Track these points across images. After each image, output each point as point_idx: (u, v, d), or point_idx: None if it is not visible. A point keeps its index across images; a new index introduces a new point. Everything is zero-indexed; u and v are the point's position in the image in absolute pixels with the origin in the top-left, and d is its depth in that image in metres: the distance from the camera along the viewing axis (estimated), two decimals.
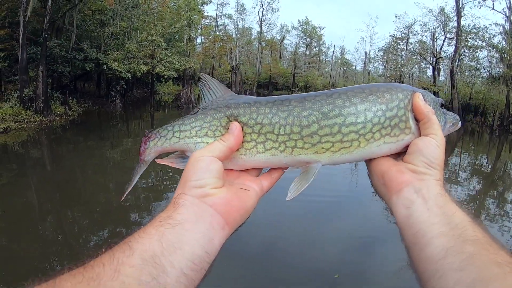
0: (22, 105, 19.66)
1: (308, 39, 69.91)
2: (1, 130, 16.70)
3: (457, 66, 31.63)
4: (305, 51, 70.29)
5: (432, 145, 0.96)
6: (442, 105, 1.11)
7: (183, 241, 0.73)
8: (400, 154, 1.03)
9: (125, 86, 28.28)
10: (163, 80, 37.68)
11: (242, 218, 0.90)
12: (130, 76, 25.27)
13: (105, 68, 24.86)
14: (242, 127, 0.99)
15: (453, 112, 1.15)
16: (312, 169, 0.98)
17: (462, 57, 33.00)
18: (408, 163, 0.97)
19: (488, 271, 0.68)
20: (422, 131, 1.01)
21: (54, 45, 23.07)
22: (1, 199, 8.50)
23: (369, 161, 1.05)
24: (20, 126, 17.90)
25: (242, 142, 0.98)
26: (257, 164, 1.00)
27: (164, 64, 27.88)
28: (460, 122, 1.16)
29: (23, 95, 19.72)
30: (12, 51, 21.82)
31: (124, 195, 1.12)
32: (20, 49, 19.86)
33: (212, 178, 0.86)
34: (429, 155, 0.94)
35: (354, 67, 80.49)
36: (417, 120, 1.02)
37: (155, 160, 1.10)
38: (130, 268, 0.65)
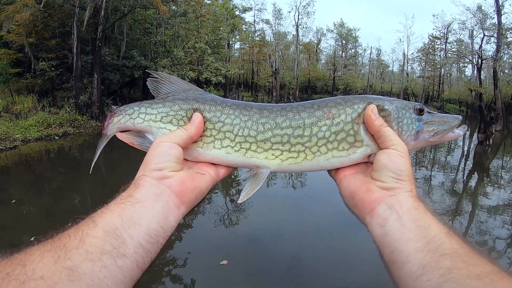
0: (77, 111, 20.55)
1: (343, 41, 69.30)
2: (60, 134, 17.55)
3: (499, 65, 30.45)
4: (341, 53, 69.66)
5: (395, 157, 0.95)
6: (420, 111, 1.06)
7: (141, 217, 0.80)
8: (369, 167, 1.03)
9: None
10: (205, 86, 38.46)
11: (197, 198, 0.96)
12: None
13: None
14: (204, 122, 1.04)
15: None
16: (262, 174, 1.04)
17: (501, 54, 31.70)
18: (376, 180, 0.95)
19: (467, 286, 0.67)
20: (380, 145, 1.00)
21: (106, 53, 24.04)
22: (56, 201, 8.94)
23: (338, 181, 1.06)
24: (77, 131, 18.84)
25: (202, 136, 1.04)
26: (210, 158, 1.05)
27: (211, 70, 28.43)
28: (456, 131, 1.06)
29: (79, 101, 20.59)
30: (64, 60, 22.95)
31: (91, 168, 1.22)
32: (75, 57, 20.90)
33: (170, 162, 0.93)
34: (395, 169, 0.93)
35: (390, 69, 79.01)
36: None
37: (116, 135, 1.14)
38: (94, 238, 0.72)
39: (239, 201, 1.02)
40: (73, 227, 0.75)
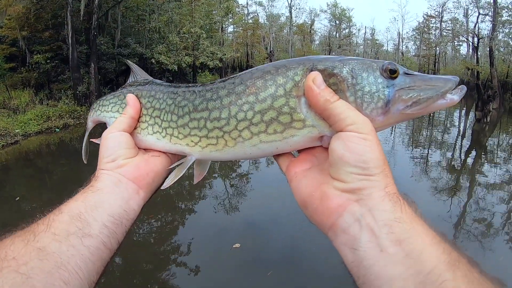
0: (76, 102, 20.53)
1: (337, 22, 68.84)
2: (61, 126, 17.56)
3: (495, 44, 30.39)
4: (336, 34, 69.30)
5: (354, 142, 0.69)
6: (392, 72, 0.78)
7: (103, 202, 0.84)
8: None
9: (170, 78, 28.97)
10: (200, 71, 38.24)
11: (155, 181, 0.96)
12: (176, 68, 25.92)
13: (153, 61, 25.58)
14: (141, 107, 1.04)
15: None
16: (187, 161, 0.95)
17: (496, 33, 31.64)
18: (334, 179, 0.71)
19: None
20: (332, 127, 0.75)
21: (101, 42, 23.86)
22: (60, 195, 8.76)
23: (289, 181, 0.84)
24: (77, 122, 18.75)
25: (139, 122, 1.03)
26: (147, 145, 1.02)
27: (207, 54, 28.38)
28: (448, 97, 0.77)
29: (77, 92, 20.55)
30: (58, 51, 22.65)
31: (83, 158, 1.35)
32: (70, 48, 20.62)
33: (122, 150, 0.95)
34: (356, 160, 0.68)
35: (385, 48, 78.74)
36: None
37: (91, 140, 1.24)
38: (60, 223, 0.76)
39: (162, 187, 0.98)
40: (42, 218, 0.79)
